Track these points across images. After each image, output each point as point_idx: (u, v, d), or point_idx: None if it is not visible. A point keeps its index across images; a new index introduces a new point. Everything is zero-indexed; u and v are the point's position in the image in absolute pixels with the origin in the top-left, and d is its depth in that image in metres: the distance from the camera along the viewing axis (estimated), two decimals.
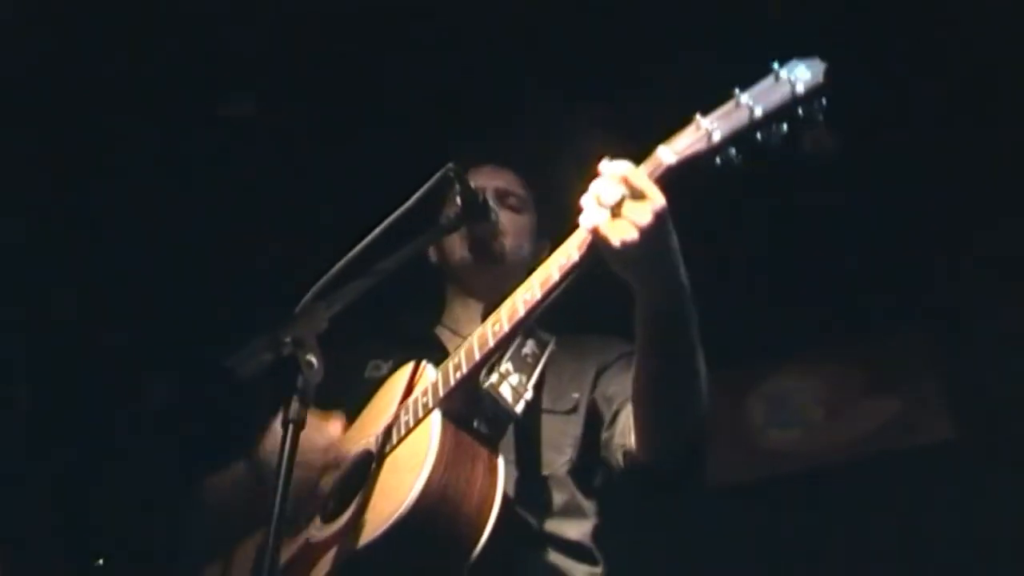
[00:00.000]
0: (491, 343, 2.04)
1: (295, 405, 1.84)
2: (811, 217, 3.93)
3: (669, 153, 1.80)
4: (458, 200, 2.31)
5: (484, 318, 2.16)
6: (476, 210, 2.34)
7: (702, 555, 3.84)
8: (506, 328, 2.02)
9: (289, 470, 1.78)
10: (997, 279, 3.92)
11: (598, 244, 1.84)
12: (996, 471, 3.78)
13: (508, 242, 2.55)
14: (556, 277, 1.94)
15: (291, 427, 1.83)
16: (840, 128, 3.61)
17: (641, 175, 1.80)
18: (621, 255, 1.81)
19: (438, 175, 2.21)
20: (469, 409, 2.12)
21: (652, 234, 1.79)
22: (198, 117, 3.58)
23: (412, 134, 3.54)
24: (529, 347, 2.29)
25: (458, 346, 2.15)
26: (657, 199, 1.79)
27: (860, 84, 3.44)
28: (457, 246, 2.56)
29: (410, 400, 2.18)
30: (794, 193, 3.84)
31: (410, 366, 2.31)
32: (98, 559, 3.98)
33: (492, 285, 2.43)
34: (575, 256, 1.91)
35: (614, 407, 2.25)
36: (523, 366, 2.24)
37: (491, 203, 2.41)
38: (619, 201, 1.80)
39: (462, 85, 3.55)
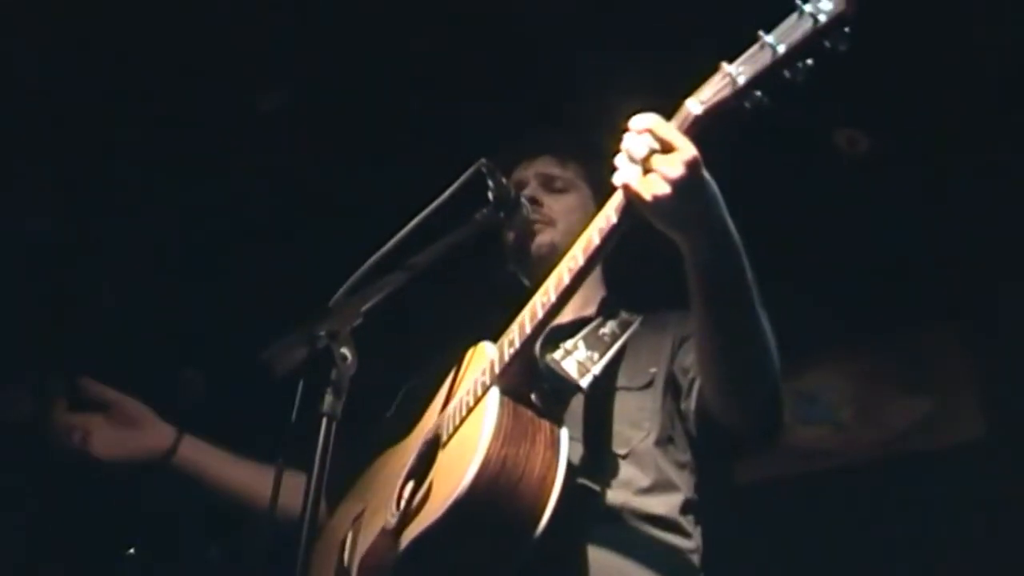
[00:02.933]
0: (540, 314, 2.03)
1: (329, 398, 1.84)
2: (843, 210, 3.89)
3: (696, 104, 1.79)
4: (490, 195, 2.31)
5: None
6: (508, 204, 2.35)
7: (729, 551, 3.78)
8: (553, 298, 2.01)
9: (323, 465, 1.78)
10: None
11: (632, 202, 1.83)
12: None
13: (558, 229, 2.50)
14: (597, 241, 1.93)
15: (325, 421, 1.82)
16: (874, 127, 3.61)
17: (668, 126, 1.79)
18: (656, 210, 1.80)
19: (469, 171, 2.22)
20: (528, 384, 2.10)
21: (685, 186, 1.77)
22: (228, 107, 3.59)
23: (452, 130, 3.54)
24: (609, 327, 2.29)
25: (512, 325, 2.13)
26: (687, 150, 1.77)
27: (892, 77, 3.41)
28: (507, 243, 2.55)
29: (470, 380, 2.17)
30: (826, 186, 3.82)
31: (472, 350, 2.30)
32: (129, 548, 3.95)
33: (540, 272, 2.33)
34: (613, 218, 1.90)
35: (691, 375, 2.21)
36: (597, 344, 2.23)
37: (529, 198, 2.41)
38: (648, 155, 1.79)
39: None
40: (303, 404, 1.86)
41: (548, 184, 2.57)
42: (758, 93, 1.74)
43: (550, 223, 2.49)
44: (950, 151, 3.73)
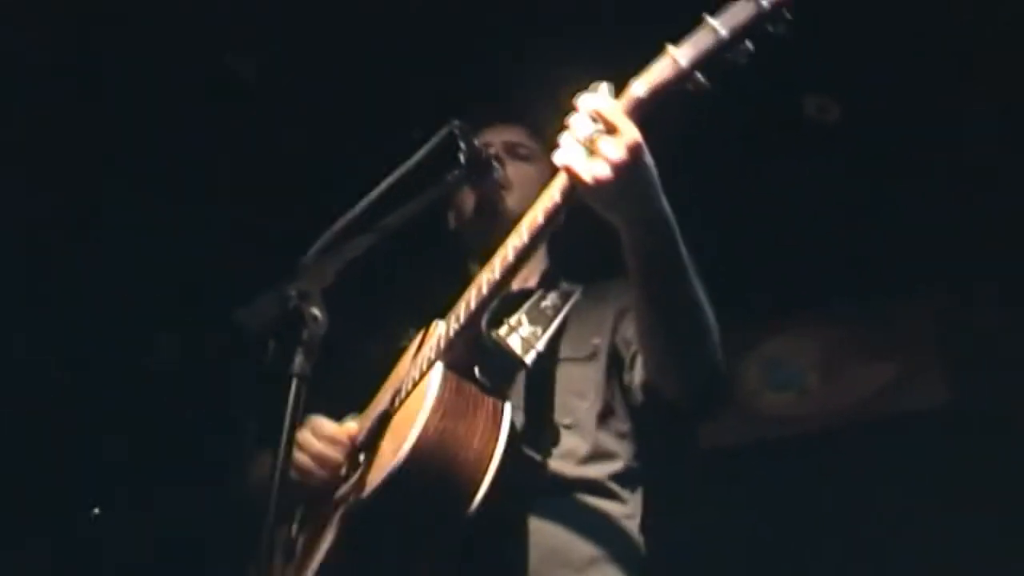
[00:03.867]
0: (484, 291, 2.05)
1: (299, 358, 1.82)
2: (809, 178, 3.92)
3: (641, 85, 1.80)
4: (461, 157, 2.30)
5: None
6: (479, 166, 2.34)
7: (694, 518, 3.84)
8: (497, 275, 2.03)
9: (292, 427, 1.76)
10: (996, 240, 3.92)
11: (574, 183, 1.83)
12: (993, 434, 3.80)
13: (514, 195, 2.50)
14: (541, 220, 1.94)
15: (296, 381, 1.81)
16: (844, 95, 3.61)
17: (613, 108, 1.79)
18: (596, 193, 1.81)
19: (442, 132, 2.21)
20: (472, 360, 2.11)
21: (626, 170, 1.78)
22: (193, 71, 3.58)
23: (422, 91, 3.54)
24: (550, 299, 2.29)
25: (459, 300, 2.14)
26: (629, 133, 1.78)
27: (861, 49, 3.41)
28: (465, 206, 2.55)
29: (419, 357, 2.19)
30: (792, 154, 3.83)
31: (432, 326, 2.28)
32: (94, 508, 3.98)
33: (494, 239, 2.34)
34: (557, 197, 1.91)
35: (633, 348, 2.24)
36: (540, 318, 2.23)
37: (496, 159, 2.40)
38: (593, 137, 1.80)
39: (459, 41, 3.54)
40: (272, 363, 1.86)
41: (512, 150, 2.56)
42: (700, 76, 1.75)
43: (508, 188, 2.49)
44: (917, 118, 3.76)
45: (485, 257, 2.51)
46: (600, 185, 1.79)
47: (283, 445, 1.75)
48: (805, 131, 3.83)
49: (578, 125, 1.82)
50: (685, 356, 2.00)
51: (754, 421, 4.38)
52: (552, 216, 1.93)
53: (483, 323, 2.13)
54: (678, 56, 1.76)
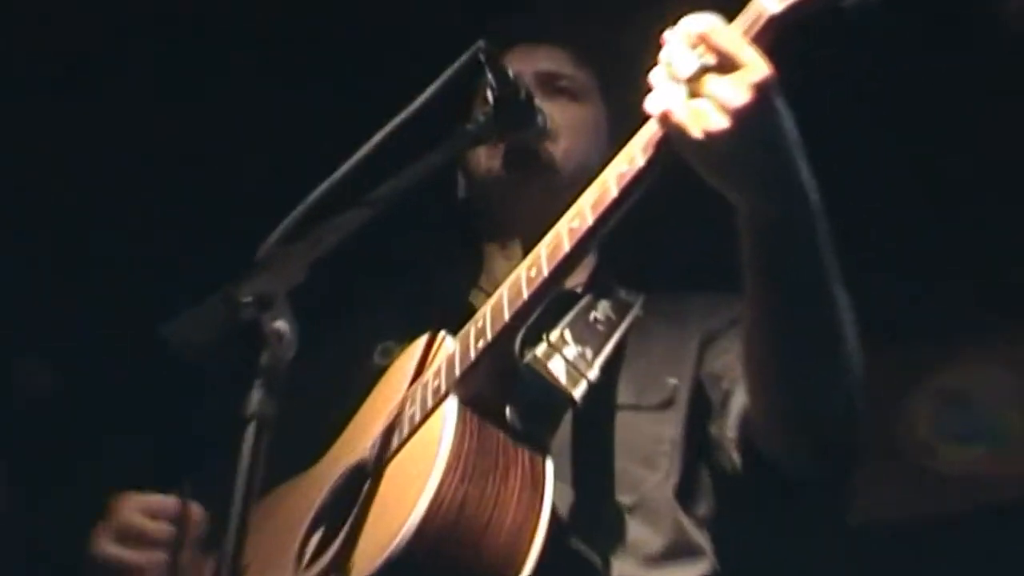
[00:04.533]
0: (525, 294, 2.07)
1: (258, 394, 1.83)
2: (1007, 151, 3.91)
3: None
4: (490, 96, 2.34)
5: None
6: (516, 108, 2.39)
7: None
8: (545, 271, 2.04)
9: (251, 481, 1.78)
10: None
11: (672, 138, 1.86)
12: None
13: (562, 145, 2.57)
14: (615, 193, 1.96)
15: (254, 426, 1.82)
16: None
17: (731, 33, 1.82)
18: (706, 151, 1.83)
19: (462, 59, 2.24)
20: (500, 393, 2.14)
21: (750, 118, 1.79)
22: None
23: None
24: (602, 310, 2.35)
25: (484, 304, 2.20)
26: (757, 67, 1.80)
27: None
28: (484, 158, 2.61)
29: (419, 385, 2.22)
30: (988, 123, 3.85)
31: (422, 340, 2.37)
32: None
33: (540, 214, 2.35)
34: (640, 160, 1.93)
35: (724, 387, 2.30)
36: (590, 335, 2.27)
37: (537, 99, 2.44)
38: (698, 73, 1.83)
39: None
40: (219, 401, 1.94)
41: (551, 83, 2.65)
42: None
43: (554, 138, 2.56)
44: None
45: (516, 241, 2.66)
46: (713, 140, 1.80)
47: (237, 516, 1.77)
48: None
49: (677, 57, 1.84)
50: (816, 400, 2.04)
51: (926, 486, 4.41)
52: (631, 186, 1.94)
53: (518, 341, 2.17)
54: None
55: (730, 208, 1.95)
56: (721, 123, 1.79)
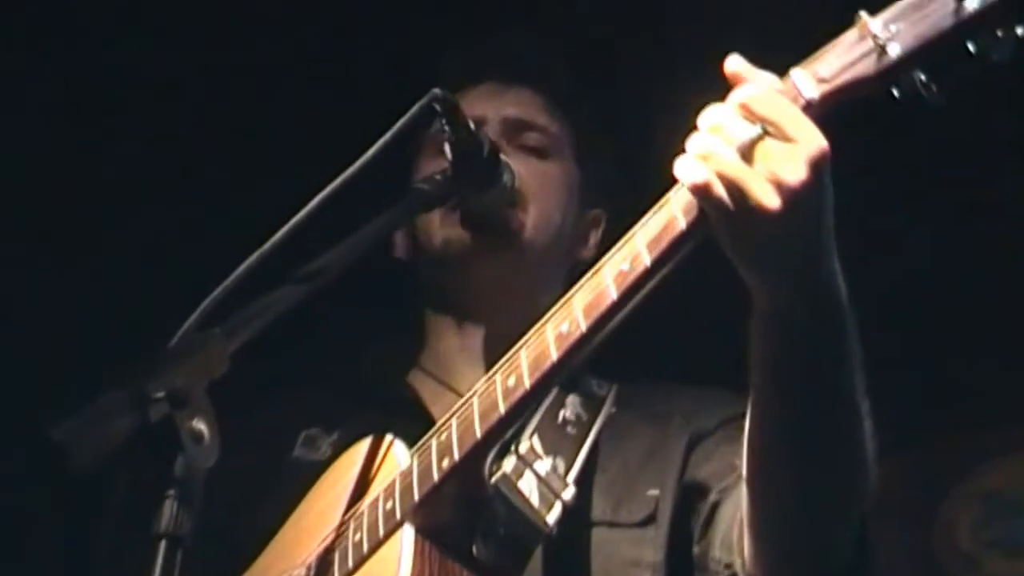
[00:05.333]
0: (501, 409, 1.95)
1: (170, 507, 1.69)
2: None
3: (809, 81, 1.74)
4: (447, 149, 2.16)
5: (487, 353, 2.19)
6: (478, 168, 2.20)
7: None
8: (527, 383, 1.93)
9: None
10: None
11: (708, 212, 1.75)
12: None
13: (532, 213, 2.45)
14: (614, 296, 1.84)
15: (164, 544, 1.67)
16: None
17: (788, 103, 1.73)
18: (746, 231, 1.73)
19: (414, 110, 2.07)
20: (465, 521, 2.03)
21: (804, 198, 1.70)
22: None
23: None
24: (571, 407, 2.26)
25: (447, 413, 2.07)
26: (813, 141, 1.70)
27: None
28: (439, 224, 2.46)
29: (366, 504, 2.10)
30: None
31: (365, 444, 2.21)
32: None
33: (504, 292, 2.39)
34: (646, 258, 1.81)
35: (711, 499, 2.20)
36: (560, 441, 2.19)
37: (502, 153, 2.27)
38: (752, 143, 1.72)
39: None
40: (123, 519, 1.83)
41: (517, 135, 2.53)
42: (922, 76, 1.68)
43: (523, 202, 2.45)
44: None
45: (472, 320, 2.52)
46: (758, 218, 1.70)
47: None
48: None
49: (731, 122, 1.73)
50: (814, 531, 1.95)
51: None
52: (636, 289, 1.83)
53: (488, 462, 2.05)
54: (885, 39, 1.68)
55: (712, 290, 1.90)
56: (772, 200, 1.69)
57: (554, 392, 2.24)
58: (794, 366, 1.84)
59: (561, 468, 2.14)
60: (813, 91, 1.73)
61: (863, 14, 1.71)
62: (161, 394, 1.71)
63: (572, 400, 2.27)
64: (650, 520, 2.25)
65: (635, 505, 2.27)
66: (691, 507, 2.25)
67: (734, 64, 1.76)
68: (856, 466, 1.90)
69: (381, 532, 2.02)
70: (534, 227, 2.46)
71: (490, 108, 2.51)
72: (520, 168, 2.38)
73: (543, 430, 2.19)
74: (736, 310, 1.84)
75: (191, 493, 1.71)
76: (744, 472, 1.99)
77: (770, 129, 1.72)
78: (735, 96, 1.74)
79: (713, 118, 1.76)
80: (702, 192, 1.73)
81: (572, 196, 2.60)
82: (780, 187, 1.70)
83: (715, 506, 2.19)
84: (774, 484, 1.95)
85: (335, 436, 2.39)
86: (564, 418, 2.24)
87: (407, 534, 1.97)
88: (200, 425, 1.74)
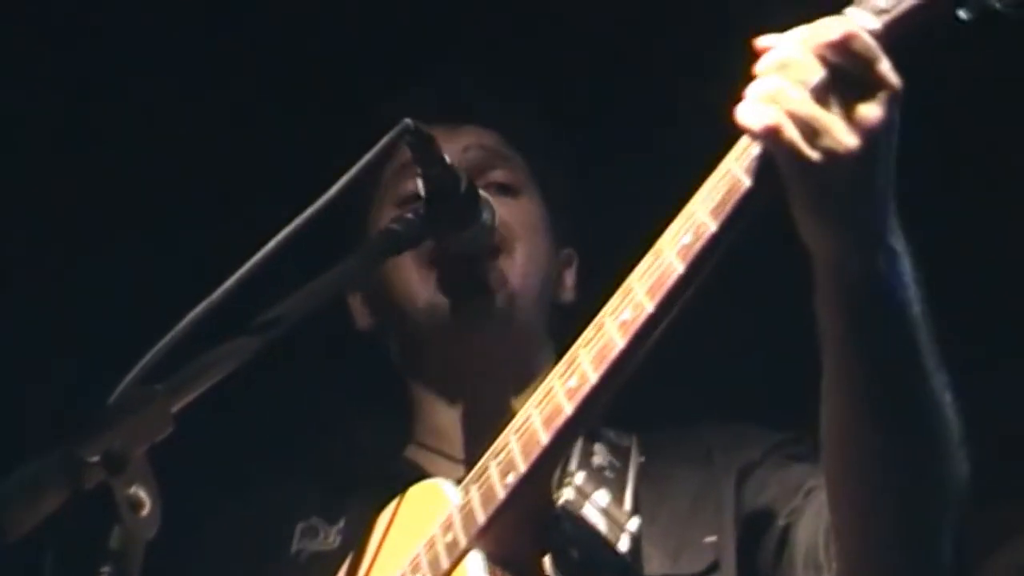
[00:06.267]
0: (568, 412, 1.84)
1: None
2: None
3: (867, 16, 1.67)
4: (420, 185, 2.09)
5: (487, 420, 2.15)
6: (454, 206, 2.11)
7: None
8: (593, 380, 1.83)
9: None
10: None
11: (778, 157, 1.68)
12: None
13: (518, 258, 2.37)
14: (683, 265, 1.75)
15: None
16: None
17: (867, 38, 1.65)
18: (819, 176, 1.66)
19: (382, 143, 1.98)
20: (534, 545, 1.95)
21: (883, 140, 1.66)
22: None
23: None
24: (601, 455, 2.24)
25: (504, 434, 1.98)
26: (892, 80, 1.65)
27: None
28: (418, 281, 2.37)
29: (420, 547, 2.02)
30: None
31: (390, 509, 2.15)
32: None
33: (491, 360, 2.34)
34: (648, 306, 1.75)
35: (779, 524, 2.15)
36: (603, 482, 2.16)
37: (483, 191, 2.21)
38: (825, 83, 1.67)
39: None
40: None
41: (484, 171, 2.44)
42: None
43: (506, 244, 2.38)
44: None
45: (464, 388, 2.44)
46: (833, 162, 1.63)
47: None
48: None
49: (802, 61, 1.67)
50: (924, 523, 1.87)
51: None
52: (728, 230, 1.74)
53: (555, 479, 2.05)
54: None
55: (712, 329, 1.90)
56: (850, 141, 1.64)
57: (580, 440, 2.21)
58: (863, 323, 1.78)
59: (615, 502, 2.10)
60: (874, 23, 1.67)
61: None
62: (96, 457, 1.63)
63: (599, 448, 2.23)
64: (714, 568, 2.19)
65: (695, 555, 2.20)
66: (755, 541, 2.20)
67: (766, 39, 1.70)
68: (948, 442, 1.84)
69: (446, 565, 1.95)
70: (522, 275, 2.36)
71: (448, 149, 2.32)
72: (497, 208, 2.31)
73: (583, 467, 2.17)
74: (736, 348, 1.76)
75: (128, 569, 1.63)
76: (829, 473, 1.93)
77: (841, 63, 1.66)
78: (799, 32, 1.69)
79: (777, 56, 1.69)
80: (773, 135, 1.66)
81: (547, 235, 2.52)
82: (860, 128, 1.65)
83: (786, 530, 2.14)
84: (867, 470, 1.87)
85: (342, 523, 2.31)
86: (598, 464, 2.19)
87: (475, 560, 1.91)
88: (139, 492, 1.64)
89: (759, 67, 1.72)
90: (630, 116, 2.95)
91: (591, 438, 2.26)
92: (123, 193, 3.56)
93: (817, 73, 1.66)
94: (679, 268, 1.77)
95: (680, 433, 2.38)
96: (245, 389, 1.91)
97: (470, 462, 2.09)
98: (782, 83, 1.67)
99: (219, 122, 3.48)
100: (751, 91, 1.71)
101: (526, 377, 2.15)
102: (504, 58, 3.20)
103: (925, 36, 1.68)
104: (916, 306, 1.78)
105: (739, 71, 1.75)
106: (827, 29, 1.67)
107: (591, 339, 1.89)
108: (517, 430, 1.98)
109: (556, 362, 2.26)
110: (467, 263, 2.33)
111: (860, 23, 1.67)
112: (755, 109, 1.68)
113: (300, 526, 2.38)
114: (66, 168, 3.57)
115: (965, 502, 1.90)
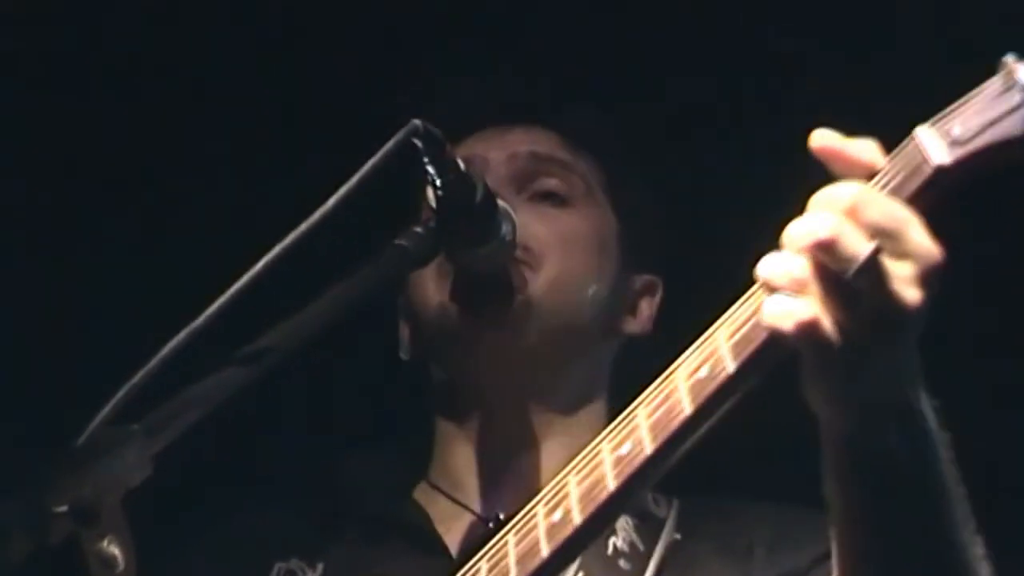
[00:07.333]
0: (629, 470, 1.68)
1: None
2: None
3: (939, 143, 1.53)
4: (430, 194, 1.98)
5: (508, 464, 2.16)
6: (468, 215, 2.02)
7: None
8: (576, 522, 1.69)
9: None
10: None
11: (809, 353, 1.57)
12: None
13: (545, 273, 2.25)
14: (688, 410, 1.62)
15: None
16: None
17: (894, 203, 1.53)
18: (848, 363, 1.55)
19: (388, 146, 1.87)
20: None
21: (915, 322, 1.55)
22: None
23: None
24: (623, 535, 2.15)
25: (484, 551, 1.83)
26: (928, 254, 1.53)
27: None
28: (432, 288, 2.26)
29: None
30: None
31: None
32: None
33: (507, 375, 2.23)
34: (729, 365, 1.60)
35: None
36: (616, 573, 2.10)
37: (507, 201, 2.12)
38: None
39: None
40: None
41: (528, 183, 2.34)
42: None
43: (536, 262, 2.26)
44: None
45: (476, 415, 2.33)
46: (847, 343, 1.52)
47: None
48: None
49: (832, 235, 1.50)
50: None
51: None
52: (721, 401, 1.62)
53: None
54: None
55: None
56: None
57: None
58: (894, 503, 1.68)
59: None
60: (944, 156, 1.53)
61: (1011, 59, 1.54)
62: (64, 508, 1.57)
63: (624, 524, 2.14)
64: None
65: None
66: None
67: (823, 139, 1.54)
68: None
69: None
70: (547, 289, 2.22)
71: (493, 148, 2.27)
72: (530, 220, 2.24)
73: (589, 566, 2.03)
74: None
75: None
76: None
77: (882, 242, 1.52)
78: (838, 196, 1.53)
79: (815, 229, 1.53)
80: (807, 333, 1.52)
81: (606, 253, 2.38)
82: (902, 304, 1.53)
83: None
84: None
85: (319, 570, 2.22)
86: (616, 548, 2.12)
87: None
88: (112, 548, 1.59)
89: (793, 233, 1.56)
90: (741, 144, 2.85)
91: None
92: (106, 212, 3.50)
93: (864, 250, 1.51)
94: (647, 448, 1.66)
95: (725, 510, 2.27)
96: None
97: (479, 512, 2.07)
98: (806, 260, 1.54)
99: (219, 123, 3.43)
100: (780, 268, 1.56)
101: (558, 409, 2.07)
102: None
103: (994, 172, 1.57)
104: (945, 471, 1.67)
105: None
106: (868, 194, 1.54)
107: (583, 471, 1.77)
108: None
109: (611, 398, 2.27)
110: (482, 280, 2.19)
111: (928, 150, 1.54)
112: (786, 301, 1.54)
113: (277, 567, 2.31)
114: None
115: None
